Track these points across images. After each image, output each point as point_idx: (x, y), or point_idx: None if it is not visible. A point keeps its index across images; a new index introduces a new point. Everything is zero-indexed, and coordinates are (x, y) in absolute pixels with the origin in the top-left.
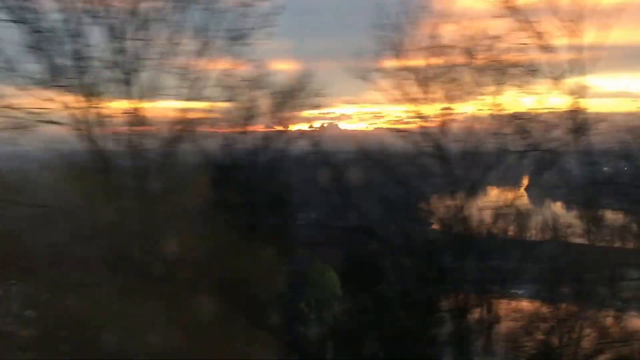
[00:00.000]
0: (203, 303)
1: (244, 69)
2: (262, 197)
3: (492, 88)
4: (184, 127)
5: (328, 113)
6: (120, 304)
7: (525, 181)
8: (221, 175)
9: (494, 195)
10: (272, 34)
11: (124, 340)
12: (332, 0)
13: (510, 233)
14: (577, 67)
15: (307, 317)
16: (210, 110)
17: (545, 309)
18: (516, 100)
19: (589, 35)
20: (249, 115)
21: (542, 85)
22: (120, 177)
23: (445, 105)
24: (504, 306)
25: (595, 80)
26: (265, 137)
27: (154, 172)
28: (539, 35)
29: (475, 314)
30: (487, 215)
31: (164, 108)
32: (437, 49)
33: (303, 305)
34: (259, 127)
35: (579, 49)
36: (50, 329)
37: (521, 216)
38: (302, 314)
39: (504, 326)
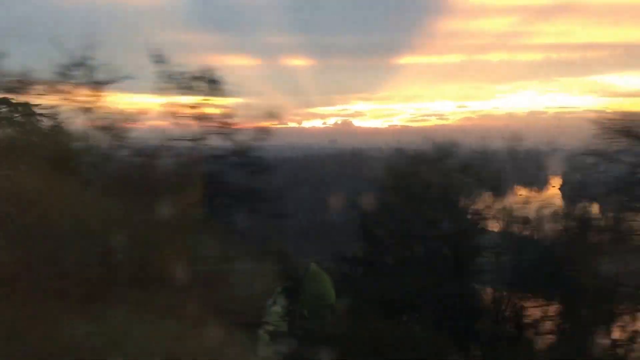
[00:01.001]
0: (191, 311)
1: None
2: (261, 197)
3: (515, 85)
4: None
5: (342, 110)
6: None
7: (557, 181)
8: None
9: (524, 194)
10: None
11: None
12: None
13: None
14: (610, 65)
15: (301, 326)
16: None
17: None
18: (542, 98)
19: (617, 33)
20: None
21: (571, 83)
22: None
23: (463, 103)
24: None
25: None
26: (273, 134)
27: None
28: (562, 33)
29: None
30: (524, 215)
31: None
32: (455, 44)
33: (297, 314)
34: (270, 124)
35: (608, 47)
36: None
37: (556, 215)
38: (297, 324)
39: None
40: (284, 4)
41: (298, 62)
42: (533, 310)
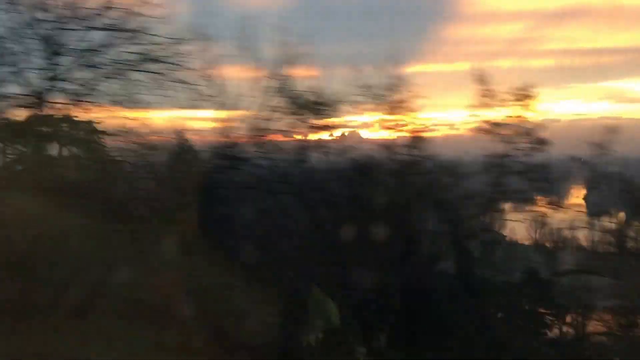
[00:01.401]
0: (193, 339)
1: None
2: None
3: (526, 92)
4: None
5: (349, 121)
6: None
7: (580, 190)
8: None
9: (546, 204)
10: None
11: None
12: (350, 5)
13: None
14: (625, 70)
15: (309, 353)
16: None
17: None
18: (555, 105)
19: (630, 38)
20: (266, 124)
21: (585, 90)
22: None
23: (473, 111)
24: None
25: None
26: (281, 147)
27: None
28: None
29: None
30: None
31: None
32: (464, 52)
33: (304, 340)
34: (276, 137)
35: (622, 52)
36: None
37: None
38: (304, 350)
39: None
40: (287, 13)
41: (302, 72)
42: None
